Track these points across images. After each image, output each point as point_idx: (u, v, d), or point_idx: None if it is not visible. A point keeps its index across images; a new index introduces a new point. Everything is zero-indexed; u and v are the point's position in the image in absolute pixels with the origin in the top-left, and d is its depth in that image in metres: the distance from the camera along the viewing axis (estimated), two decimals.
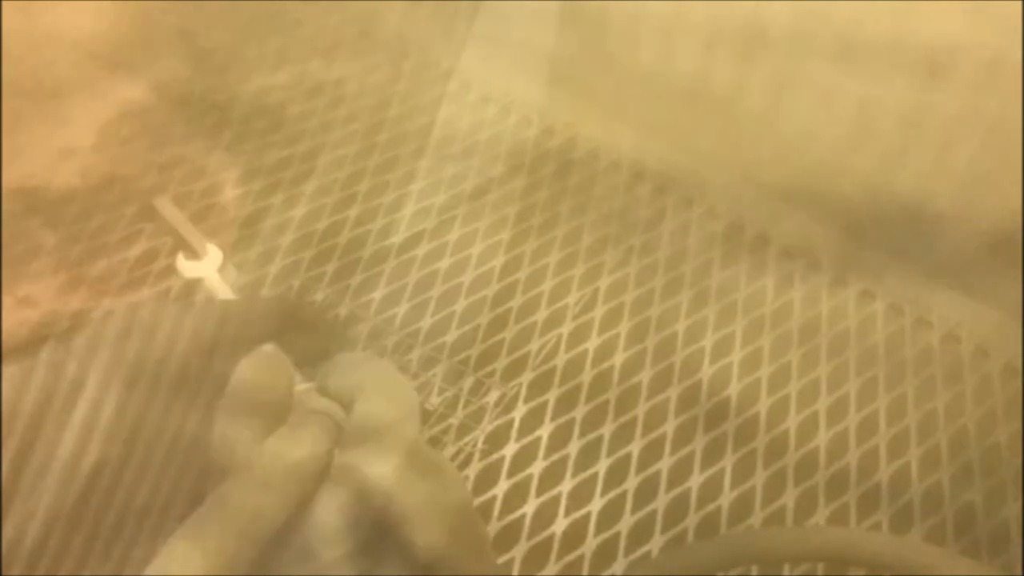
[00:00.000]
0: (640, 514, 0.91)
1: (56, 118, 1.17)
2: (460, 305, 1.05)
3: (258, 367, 0.73)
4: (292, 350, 0.78)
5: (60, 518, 0.66)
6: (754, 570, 0.88)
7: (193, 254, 0.97)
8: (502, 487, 0.91)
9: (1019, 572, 0.88)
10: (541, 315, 1.05)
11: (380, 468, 0.69)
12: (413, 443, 0.72)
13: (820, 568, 0.88)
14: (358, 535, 0.62)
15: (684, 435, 0.97)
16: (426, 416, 0.95)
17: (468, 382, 0.99)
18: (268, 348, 0.73)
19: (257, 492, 0.61)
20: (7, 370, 0.66)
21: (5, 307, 0.89)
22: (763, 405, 1.00)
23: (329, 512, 0.62)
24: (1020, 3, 0.91)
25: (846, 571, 0.88)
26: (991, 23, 0.94)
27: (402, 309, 1.04)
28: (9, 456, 0.67)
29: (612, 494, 0.92)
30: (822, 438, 0.98)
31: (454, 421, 0.95)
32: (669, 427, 0.97)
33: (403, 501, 0.69)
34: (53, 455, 0.68)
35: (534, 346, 1.02)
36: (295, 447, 0.64)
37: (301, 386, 0.74)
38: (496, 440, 0.95)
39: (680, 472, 0.94)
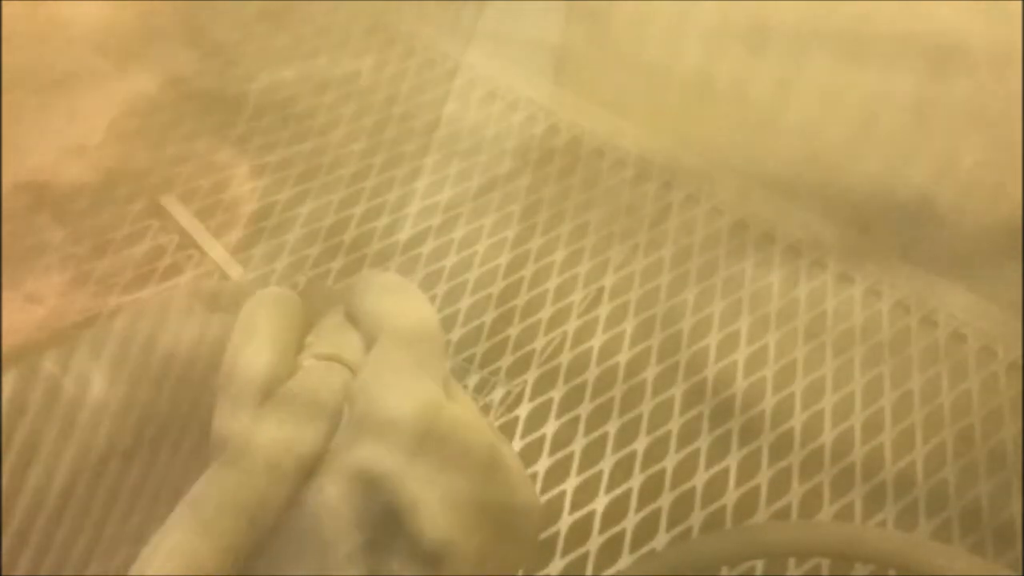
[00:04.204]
0: (645, 512, 0.91)
1: (64, 112, 1.17)
2: (465, 302, 1.05)
3: (257, 313, 0.69)
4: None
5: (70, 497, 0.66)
6: (758, 568, 0.88)
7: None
8: None
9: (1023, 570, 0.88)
10: (546, 312, 1.05)
11: (385, 461, 0.68)
12: (430, 427, 0.68)
13: (825, 566, 0.88)
14: (367, 529, 0.62)
15: (689, 432, 0.97)
16: None
17: (473, 379, 0.99)
18: (271, 289, 0.69)
19: (254, 477, 0.59)
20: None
21: (11, 304, 0.90)
22: (768, 402, 1.00)
23: (340, 506, 0.62)
24: (1021, 1, 0.91)
25: (852, 567, 0.88)
26: (997, 18, 0.94)
27: None
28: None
29: (617, 491, 0.92)
30: (827, 436, 0.98)
31: None
32: (674, 424, 0.97)
33: (408, 493, 0.68)
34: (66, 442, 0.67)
35: (539, 343, 1.02)
36: (291, 432, 0.62)
37: (332, 317, 0.70)
38: None
39: (685, 469, 0.94)
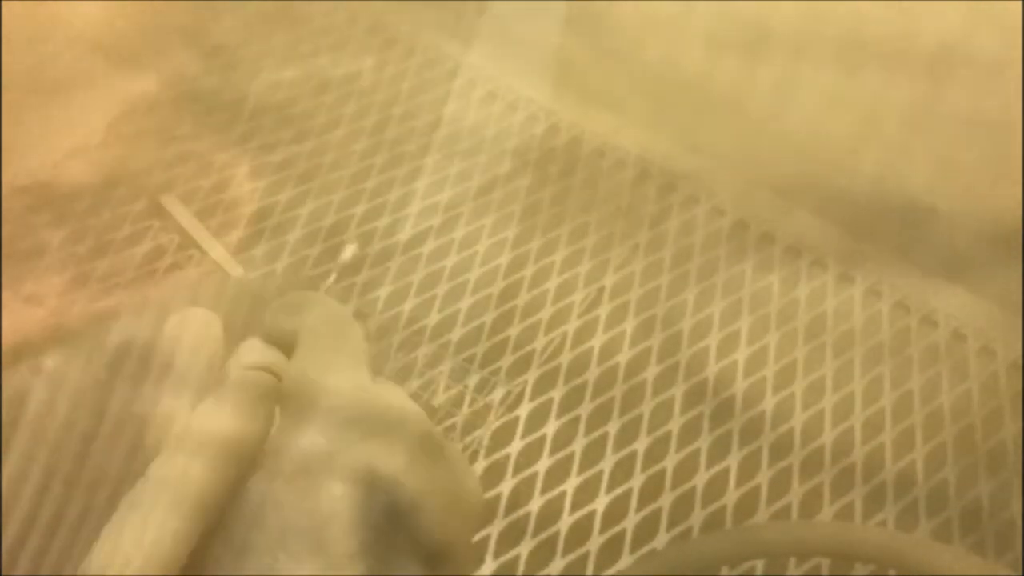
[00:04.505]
0: (645, 512, 0.91)
1: (64, 113, 1.17)
2: (466, 302, 1.05)
3: (184, 329, 0.72)
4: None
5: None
6: (759, 568, 0.88)
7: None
8: (507, 484, 0.92)
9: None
10: (546, 312, 1.05)
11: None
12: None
13: (825, 566, 0.88)
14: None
15: (690, 432, 0.97)
16: (431, 414, 0.96)
17: (473, 379, 0.99)
18: (195, 309, 0.72)
19: (189, 466, 0.60)
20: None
21: (11, 304, 0.90)
22: (769, 403, 1.00)
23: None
24: (1020, 3, 0.91)
25: (852, 566, 0.88)
26: (994, 22, 0.94)
27: (408, 306, 1.04)
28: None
29: (617, 491, 0.92)
30: (827, 436, 0.98)
31: (459, 419, 0.96)
32: (675, 424, 0.97)
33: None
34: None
35: (539, 343, 1.02)
36: (225, 418, 0.63)
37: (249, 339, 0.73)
38: (501, 437, 0.95)
39: (685, 469, 0.94)
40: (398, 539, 0.66)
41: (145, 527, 0.57)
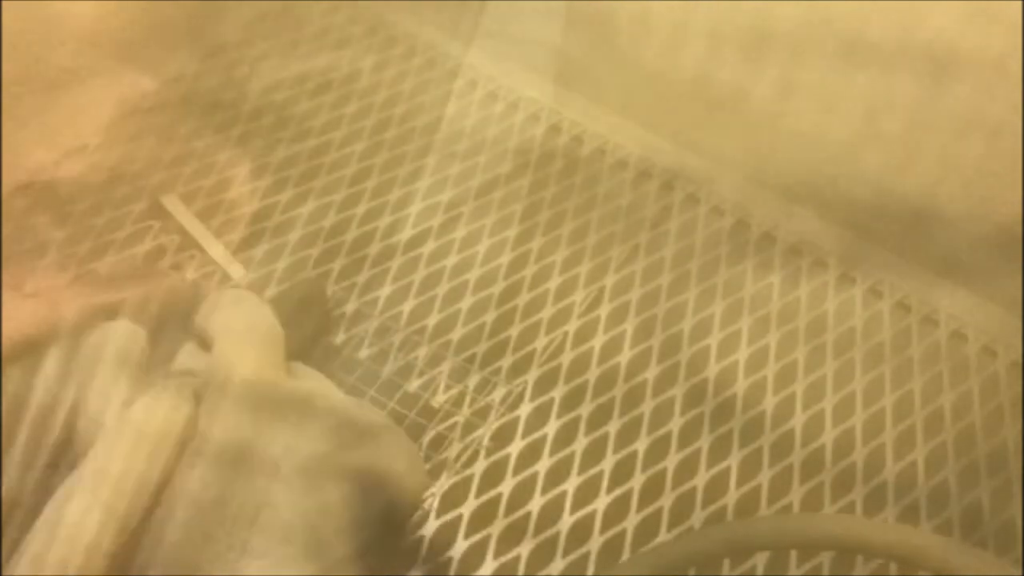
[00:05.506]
0: (646, 511, 0.91)
1: (64, 113, 1.17)
2: (466, 302, 1.05)
3: (114, 337, 0.77)
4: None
5: None
6: (759, 568, 0.88)
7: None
8: (508, 484, 0.92)
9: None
10: (547, 312, 1.05)
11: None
12: (269, 397, 0.73)
13: (826, 565, 0.88)
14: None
15: (690, 433, 0.97)
16: (432, 414, 0.96)
17: (474, 379, 0.99)
18: (120, 322, 0.76)
19: (128, 454, 0.62)
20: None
21: (12, 304, 0.90)
22: (769, 403, 1.00)
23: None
24: (1020, 3, 0.90)
25: (854, 561, 0.88)
26: (996, 24, 0.94)
27: (408, 306, 1.04)
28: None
29: (618, 491, 0.92)
30: (828, 436, 0.98)
31: (460, 419, 0.96)
32: (675, 425, 0.97)
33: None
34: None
35: (540, 343, 1.02)
36: (159, 412, 0.66)
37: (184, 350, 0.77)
38: (502, 437, 0.95)
39: (686, 470, 0.94)
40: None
41: (83, 525, 0.59)
